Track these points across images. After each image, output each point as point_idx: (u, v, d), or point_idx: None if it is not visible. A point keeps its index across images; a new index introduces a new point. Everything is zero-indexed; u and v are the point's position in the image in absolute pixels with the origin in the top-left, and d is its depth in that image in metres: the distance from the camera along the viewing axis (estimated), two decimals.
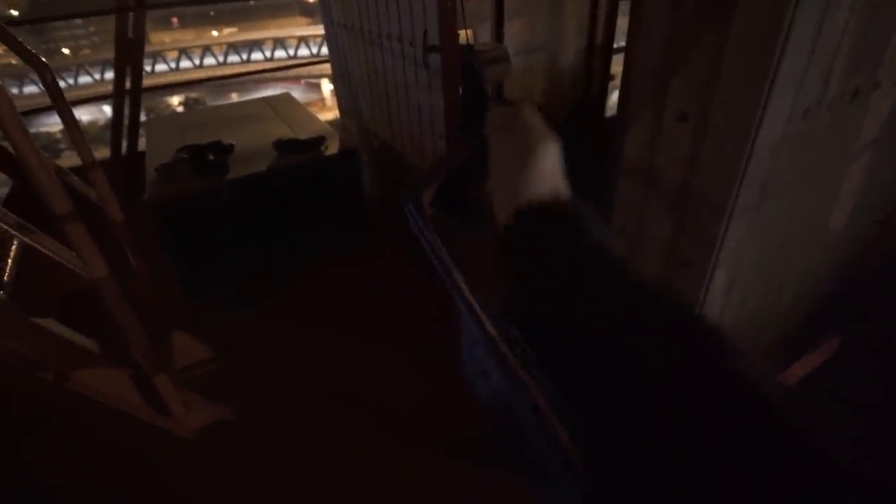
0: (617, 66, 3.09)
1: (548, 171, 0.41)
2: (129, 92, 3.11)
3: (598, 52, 3.17)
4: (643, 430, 0.26)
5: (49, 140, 16.46)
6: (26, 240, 1.24)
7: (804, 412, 0.24)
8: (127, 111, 3.14)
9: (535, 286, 0.36)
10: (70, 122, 1.62)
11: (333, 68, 3.11)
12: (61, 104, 1.59)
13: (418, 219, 0.55)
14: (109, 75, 3.13)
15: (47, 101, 1.69)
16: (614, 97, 3.38)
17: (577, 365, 0.31)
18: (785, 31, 0.81)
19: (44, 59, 1.56)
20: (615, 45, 3.16)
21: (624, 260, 0.34)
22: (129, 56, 3.01)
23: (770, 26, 0.83)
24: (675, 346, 0.28)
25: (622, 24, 3.02)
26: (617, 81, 3.19)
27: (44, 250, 1.27)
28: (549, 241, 0.37)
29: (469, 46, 2.48)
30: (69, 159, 2.47)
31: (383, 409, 1.82)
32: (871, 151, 1.32)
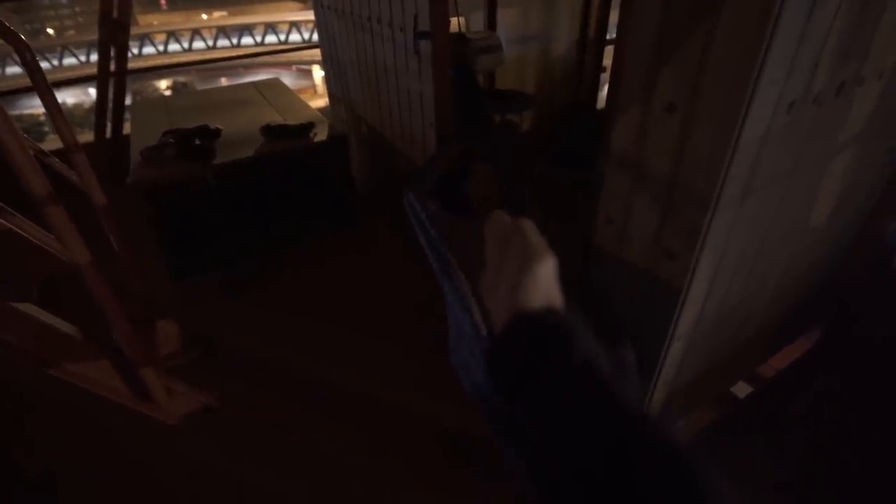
0: (609, 58, 3.09)
1: (542, 287, 0.42)
2: (114, 74, 3.04)
3: (590, 44, 3.16)
4: None
5: (33, 122, 16.10)
6: (3, 222, 1.21)
7: None
8: (112, 94, 3.08)
9: (519, 399, 0.37)
10: (51, 102, 1.58)
11: (323, 53, 3.07)
12: (41, 84, 1.54)
13: (418, 210, 0.55)
14: (95, 57, 3.06)
15: (29, 82, 1.65)
16: (605, 89, 3.38)
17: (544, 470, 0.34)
18: (773, 21, 0.81)
19: (23, 37, 1.51)
20: (607, 38, 3.15)
21: (612, 381, 0.35)
22: (113, 37, 2.94)
23: (759, 15, 0.83)
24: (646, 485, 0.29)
25: (614, 17, 3.02)
26: (608, 74, 3.19)
27: (22, 233, 1.24)
28: (538, 356, 0.38)
29: (461, 35, 2.46)
30: (54, 142, 2.42)
31: (374, 401, 1.82)
32: (855, 146, 1.33)
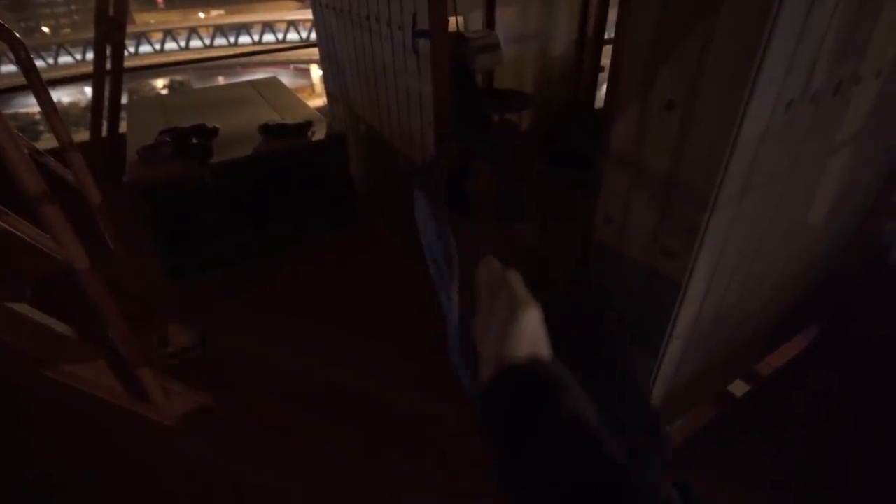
0: (607, 57, 3.09)
1: (528, 337, 0.44)
2: (110, 73, 3.03)
3: (589, 43, 3.16)
4: None
5: (28, 121, 16.03)
6: None
7: None
8: (108, 92, 3.07)
9: (508, 451, 0.39)
10: (45, 100, 1.56)
11: (321, 52, 3.06)
12: (36, 82, 1.53)
13: (424, 205, 0.56)
14: (91, 56, 3.04)
15: (24, 80, 1.64)
16: (604, 89, 3.38)
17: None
18: (772, 20, 0.81)
19: (17, 35, 1.50)
20: (606, 37, 3.15)
21: (599, 430, 0.37)
22: (109, 36, 2.92)
23: (757, 14, 0.82)
24: None
25: (612, 16, 3.02)
26: (606, 73, 3.19)
27: (16, 232, 1.23)
28: (525, 407, 0.40)
29: (460, 33, 2.46)
30: (49, 141, 2.41)
31: (373, 400, 1.81)
32: (853, 145, 1.33)
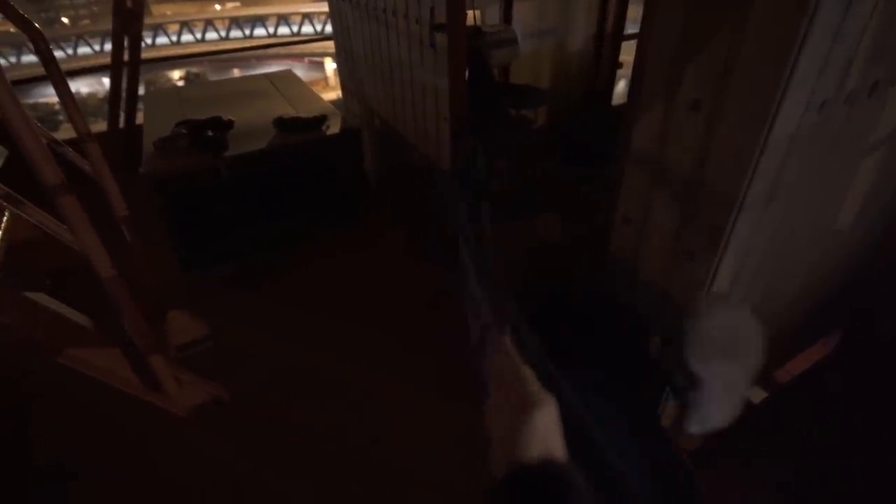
0: (626, 54, 3.04)
1: (540, 435, 0.43)
2: (128, 64, 3.05)
3: (607, 39, 3.11)
4: None
5: (48, 111, 16.23)
6: (15, 210, 1.21)
7: None
8: (125, 84, 3.09)
9: None
10: (64, 91, 1.58)
11: (336, 45, 3.05)
12: (55, 73, 1.54)
13: (468, 232, 0.57)
14: (109, 47, 3.06)
15: (44, 71, 1.65)
16: (621, 85, 3.33)
17: None
18: (809, 16, 0.78)
19: (37, 26, 1.51)
20: (624, 33, 3.10)
21: None
22: (127, 27, 2.94)
23: (793, 11, 0.79)
24: None
25: (632, 11, 2.96)
26: (624, 70, 3.14)
27: (34, 222, 1.24)
28: None
29: (477, 28, 2.43)
30: (68, 131, 2.43)
31: (380, 394, 1.81)
32: (886, 147, 1.29)
